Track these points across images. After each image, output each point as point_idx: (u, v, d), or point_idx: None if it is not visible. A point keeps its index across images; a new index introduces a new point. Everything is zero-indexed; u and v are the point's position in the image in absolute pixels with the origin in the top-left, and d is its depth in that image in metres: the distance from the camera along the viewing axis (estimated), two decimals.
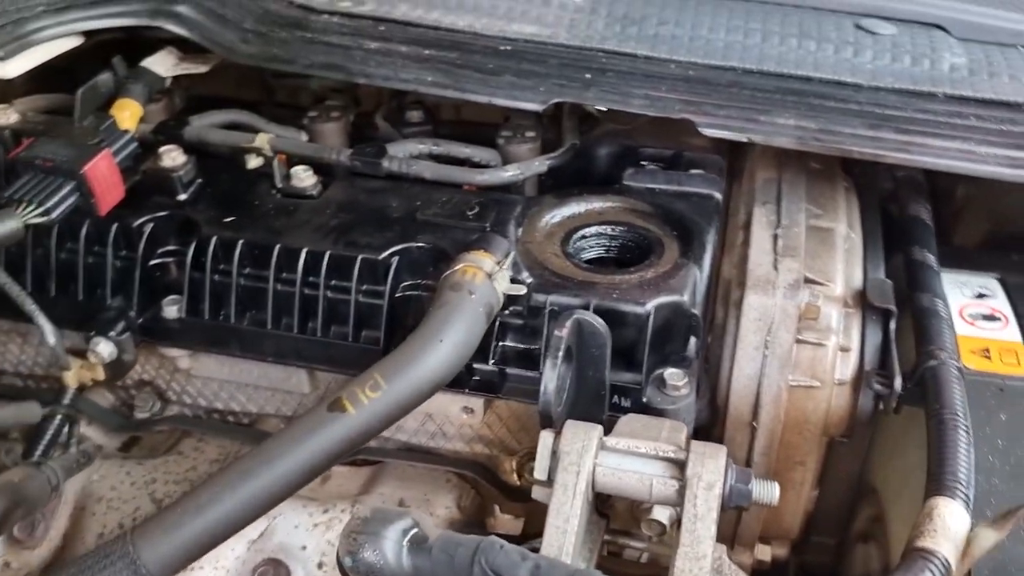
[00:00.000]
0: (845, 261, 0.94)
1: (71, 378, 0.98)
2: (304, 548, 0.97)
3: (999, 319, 0.97)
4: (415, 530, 0.71)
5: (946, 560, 0.66)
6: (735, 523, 0.97)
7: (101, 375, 0.99)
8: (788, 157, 1.08)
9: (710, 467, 0.73)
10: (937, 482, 0.71)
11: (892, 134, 0.92)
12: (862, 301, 0.92)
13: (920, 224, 1.03)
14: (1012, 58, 1.07)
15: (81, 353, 0.99)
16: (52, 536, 1.02)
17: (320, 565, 0.96)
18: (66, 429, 0.96)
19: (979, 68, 1.03)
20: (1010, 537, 0.74)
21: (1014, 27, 1.11)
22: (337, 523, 0.98)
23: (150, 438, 1.12)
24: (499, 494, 1.00)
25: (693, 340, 0.89)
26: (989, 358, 0.92)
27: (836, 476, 0.96)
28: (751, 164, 1.09)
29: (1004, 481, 0.81)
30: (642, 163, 1.07)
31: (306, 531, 0.98)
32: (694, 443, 0.75)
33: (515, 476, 1.03)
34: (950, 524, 0.68)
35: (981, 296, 1.01)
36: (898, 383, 0.85)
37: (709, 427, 0.92)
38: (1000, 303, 1.00)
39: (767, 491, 0.73)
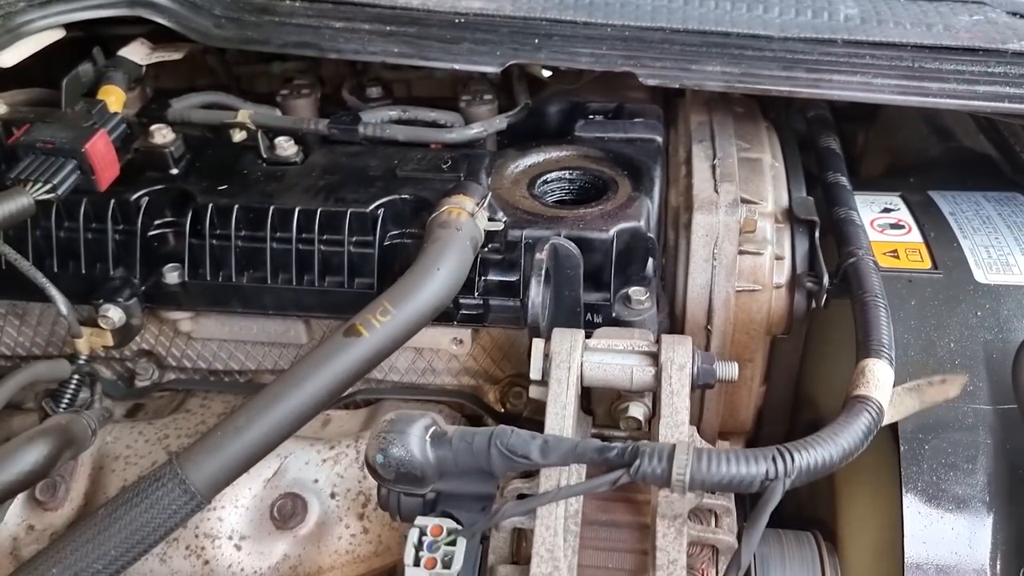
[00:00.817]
0: (773, 184, 1.09)
1: (83, 345, 1.05)
2: (316, 481, 1.06)
3: (904, 227, 1.13)
4: (434, 427, 0.82)
5: (879, 403, 0.80)
6: (697, 420, 1.10)
7: (110, 341, 1.06)
8: (716, 103, 1.22)
9: (680, 352, 0.86)
10: (865, 348, 0.86)
11: (803, 73, 1.07)
12: (790, 216, 1.07)
13: (832, 153, 1.18)
14: (895, 8, 1.23)
15: (88, 324, 1.06)
16: (73, 496, 1.09)
17: (332, 495, 1.06)
18: (90, 387, 1.03)
19: (869, 17, 1.19)
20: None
21: None
22: (343, 457, 1.08)
23: (153, 404, 1.20)
24: (488, 420, 1.12)
25: (651, 261, 1.02)
26: (898, 258, 1.08)
27: (779, 371, 1.11)
28: (684, 111, 1.23)
29: (918, 353, 0.96)
30: (590, 116, 1.19)
31: (316, 466, 1.07)
32: (664, 336, 0.88)
33: (499, 404, 1.15)
34: (880, 377, 0.82)
35: (887, 210, 1.17)
36: (826, 280, 0.99)
37: (670, 332, 1.05)
38: (903, 215, 1.16)
39: (728, 370, 0.87)
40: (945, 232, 1.12)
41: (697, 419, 1.11)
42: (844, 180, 1.13)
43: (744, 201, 1.03)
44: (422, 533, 0.78)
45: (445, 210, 0.96)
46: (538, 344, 0.88)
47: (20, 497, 1.05)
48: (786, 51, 1.12)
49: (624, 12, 1.20)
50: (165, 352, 1.17)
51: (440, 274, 0.90)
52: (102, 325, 1.04)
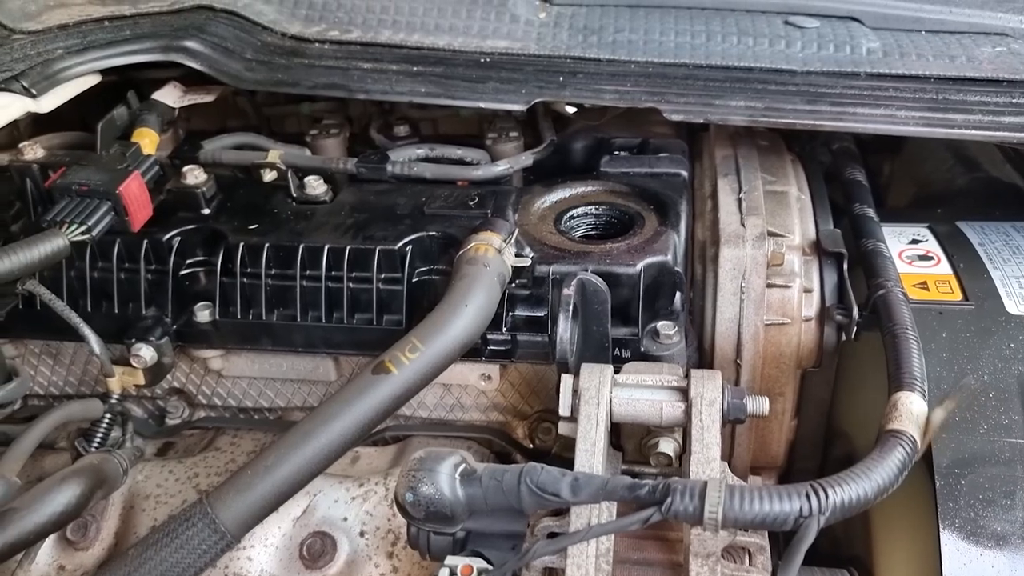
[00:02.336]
0: (799, 217, 1.08)
1: (115, 384, 1.06)
2: (345, 519, 1.06)
3: (932, 258, 1.12)
4: (464, 464, 0.82)
5: (913, 438, 0.79)
6: (728, 455, 1.09)
7: (142, 380, 1.07)
8: (740, 137, 1.22)
9: (710, 387, 0.85)
10: (897, 381, 0.85)
11: (827, 107, 1.07)
12: (818, 249, 1.06)
13: (858, 185, 1.18)
14: (916, 41, 1.23)
15: (120, 363, 1.08)
16: (104, 536, 1.09)
17: (362, 533, 1.06)
18: (121, 427, 1.04)
19: (891, 50, 1.19)
20: (963, 425, 0.89)
21: (915, 15, 1.28)
22: (372, 495, 1.08)
23: (184, 441, 1.21)
24: (517, 456, 1.11)
25: (679, 295, 1.02)
26: (927, 290, 1.07)
27: (811, 405, 1.10)
28: (709, 146, 1.23)
29: (950, 386, 0.95)
30: (615, 152, 1.20)
31: (345, 504, 1.07)
32: (693, 371, 0.87)
33: (528, 440, 1.15)
34: (912, 410, 0.81)
35: (915, 242, 1.16)
36: (855, 312, 0.99)
37: (700, 367, 1.05)
38: (932, 246, 1.15)
39: (759, 404, 0.86)
40: (975, 263, 1.11)
41: (728, 454, 1.10)
42: (871, 212, 1.13)
43: (771, 234, 1.03)
44: (452, 573, 0.78)
45: (472, 247, 0.97)
46: (567, 380, 0.88)
47: (51, 537, 1.06)
48: (809, 85, 1.13)
49: (647, 49, 1.21)
50: (196, 390, 1.18)
51: (468, 311, 0.90)
52: (134, 364, 1.05)
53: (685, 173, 1.16)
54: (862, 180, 1.19)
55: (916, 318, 1.01)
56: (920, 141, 1.48)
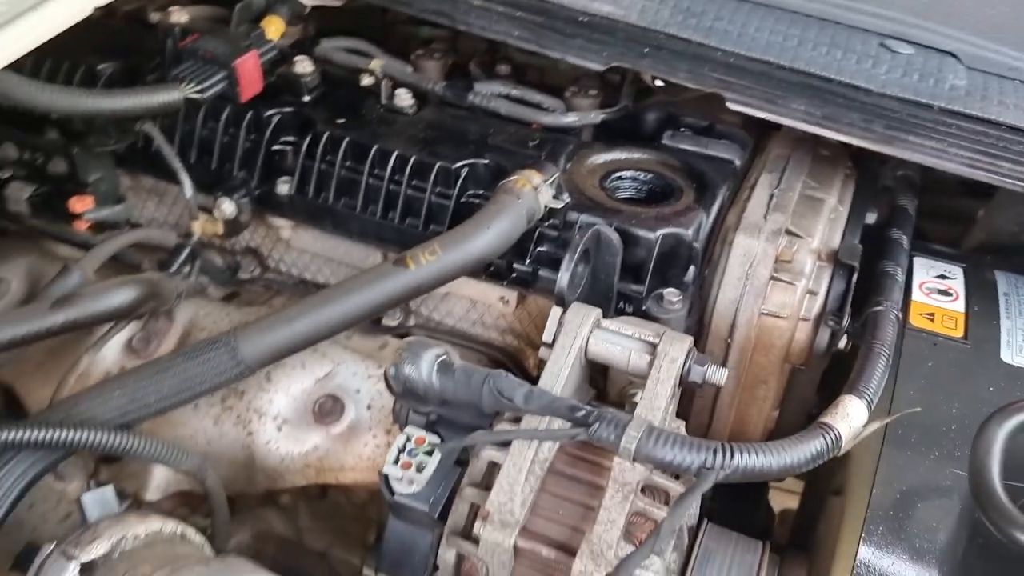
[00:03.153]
0: (827, 225, 1.14)
1: (197, 227, 1.23)
2: (358, 391, 1.20)
3: (951, 295, 1.16)
4: (445, 357, 0.94)
5: (838, 435, 0.86)
6: (707, 426, 1.18)
7: (220, 230, 1.24)
8: (804, 143, 1.27)
9: (676, 347, 0.94)
10: (850, 385, 0.92)
11: (880, 128, 1.11)
12: (835, 259, 1.12)
13: (903, 212, 1.22)
14: (1006, 88, 1.24)
15: (207, 211, 1.25)
16: (162, 351, 1.27)
17: (368, 407, 1.20)
18: (191, 261, 1.21)
19: (975, 91, 1.21)
20: (916, 446, 0.94)
21: (1014, 63, 1.28)
22: None
23: (247, 295, 1.38)
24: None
25: (692, 269, 1.10)
26: (932, 320, 1.11)
27: (794, 401, 1.16)
28: (771, 144, 1.29)
29: (923, 408, 1.00)
30: (680, 128, 1.28)
31: (362, 379, 1.21)
32: (668, 331, 0.96)
33: (535, 370, 1.26)
34: (850, 412, 0.88)
35: (942, 277, 1.19)
36: (846, 322, 1.05)
37: (696, 339, 1.13)
38: (956, 284, 1.18)
39: (717, 375, 0.94)
40: (990, 308, 1.14)
41: (706, 426, 1.18)
42: (904, 239, 1.17)
43: (789, 233, 1.09)
44: (408, 439, 0.91)
45: (513, 179, 1.08)
46: (556, 312, 0.99)
47: (121, 341, 1.25)
48: (876, 105, 1.16)
49: (738, 41, 1.27)
50: (267, 253, 1.35)
51: (489, 232, 1.02)
52: (215, 214, 1.22)
53: (738, 162, 1.22)
54: (909, 209, 1.23)
55: (910, 344, 1.06)
56: (1010, 193, 1.48)
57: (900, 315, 1.04)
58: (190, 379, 0.96)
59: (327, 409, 1.19)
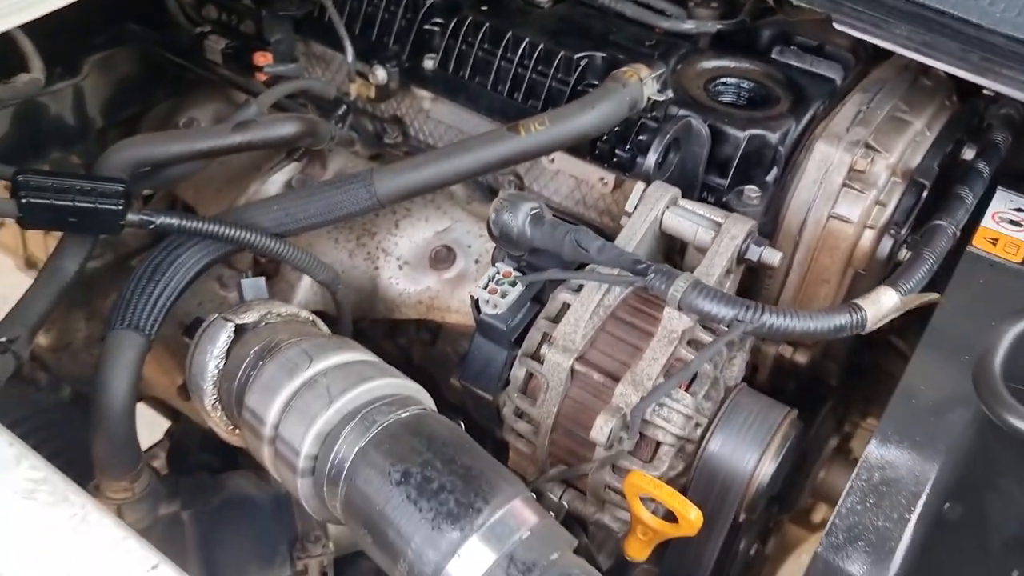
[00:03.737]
0: (909, 145, 1.22)
1: (354, 89, 1.44)
2: (470, 247, 1.39)
3: (1020, 225, 1.22)
4: (538, 209, 1.11)
5: (865, 315, 0.98)
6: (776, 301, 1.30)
7: (372, 93, 1.44)
8: (907, 71, 1.34)
9: (737, 227, 1.08)
10: (892, 280, 1.03)
11: (976, 59, 1.18)
12: (910, 177, 1.21)
13: (992, 146, 1.28)
14: None
15: (363, 76, 1.45)
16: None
17: (476, 261, 1.39)
18: (345, 114, 1.43)
19: None
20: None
21: None
22: None
23: (389, 158, 1.58)
24: None
25: (775, 170, 1.22)
26: (995, 245, 1.19)
27: None
28: (876, 69, 1.37)
29: (965, 317, 1.09)
30: (791, 45, 1.37)
31: (475, 237, 1.40)
32: (734, 214, 1.10)
33: None
34: (882, 299, 1.00)
35: (1019, 210, 1.26)
36: (904, 231, 1.15)
37: (769, 235, 1.25)
38: None
39: (771, 256, 1.08)
40: None
41: (776, 300, 1.30)
42: (984, 168, 1.24)
43: (868, 146, 1.19)
44: (497, 271, 1.10)
45: (623, 71, 1.22)
46: (640, 186, 1.14)
47: (283, 180, 1.47)
48: (982, 39, 1.22)
49: None
50: (409, 122, 1.54)
51: (592, 112, 1.17)
52: (370, 80, 1.42)
53: (839, 81, 1.31)
54: (1000, 144, 1.29)
55: (966, 261, 1.15)
56: None
57: (957, 232, 1.13)
58: (333, 204, 1.17)
59: (442, 257, 1.38)
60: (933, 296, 1.02)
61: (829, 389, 1.44)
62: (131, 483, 1.04)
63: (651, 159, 1.15)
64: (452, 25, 1.40)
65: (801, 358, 1.34)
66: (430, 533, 0.80)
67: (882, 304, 0.99)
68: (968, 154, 1.33)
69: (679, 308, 0.98)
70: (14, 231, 1.84)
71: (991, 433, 1.00)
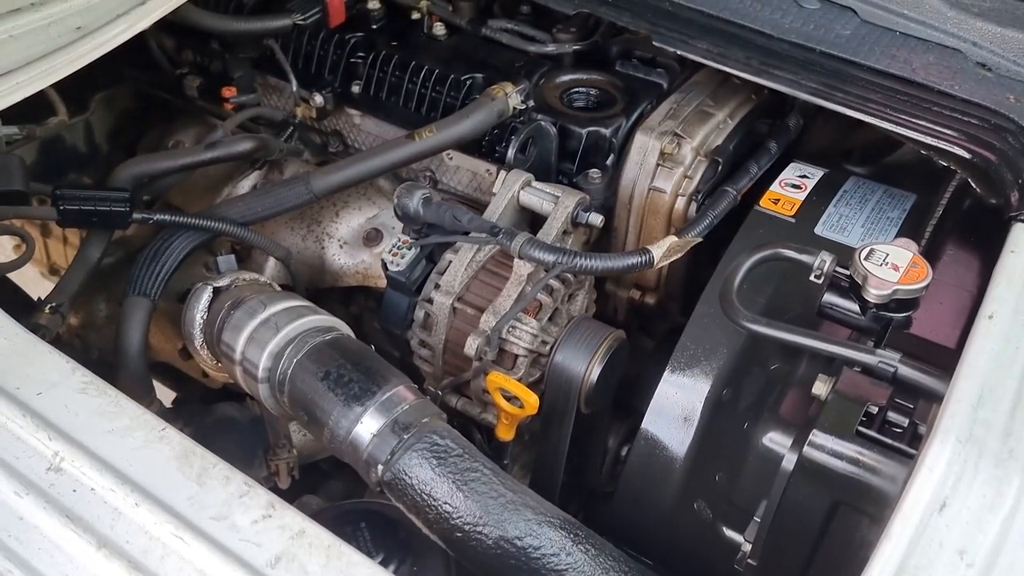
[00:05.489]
0: (712, 132, 1.63)
1: (299, 111, 1.86)
2: (393, 228, 1.80)
3: (799, 188, 1.63)
4: (428, 194, 1.53)
5: (652, 256, 1.39)
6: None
7: (313, 113, 1.86)
8: (718, 74, 1.75)
9: (570, 198, 1.50)
10: (679, 231, 1.44)
11: (756, 63, 1.58)
12: (711, 156, 1.62)
13: (784, 128, 1.69)
14: (884, 38, 1.64)
15: (305, 100, 1.87)
16: None
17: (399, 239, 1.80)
18: (292, 133, 1.84)
19: (855, 39, 1.62)
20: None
21: (897, 20, 1.67)
22: None
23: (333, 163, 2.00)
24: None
25: (612, 156, 1.64)
26: (776, 204, 1.60)
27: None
28: (696, 74, 1.78)
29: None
30: (631, 59, 1.78)
31: (394, 219, 1.81)
32: (568, 189, 1.51)
33: None
34: (665, 242, 1.41)
35: (803, 176, 1.67)
36: (701, 196, 1.56)
37: (611, 205, 1.66)
38: (810, 183, 1.65)
39: (595, 219, 1.49)
40: (824, 198, 1.61)
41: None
42: (775, 146, 1.65)
43: (675, 135, 1.60)
44: (398, 240, 1.52)
45: (492, 88, 1.63)
46: (503, 174, 1.56)
47: (249, 184, 1.89)
48: (770, 46, 1.61)
49: None
50: (346, 135, 1.96)
51: (467, 121, 1.58)
52: (311, 103, 1.84)
53: (665, 85, 1.73)
54: (790, 126, 1.70)
55: (751, 217, 1.56)
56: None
57: (738, 195, 1.54)
58: (280, 199, 1.60)
59: (372, 237, 1.80)
60: (697, 240, 1.44)
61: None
62: (147, 407, 1.46)
63: (510, 153, 1.56)
64: (371, 58, 1.81)
65: (650, 300, 1.76)
66: (343, 409, 1.21)
67: (663, 245, 1.41)
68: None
69: (520, 257, 1.40)
70: (40, 244, 2.26)
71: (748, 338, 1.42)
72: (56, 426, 1.08)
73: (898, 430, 1.12)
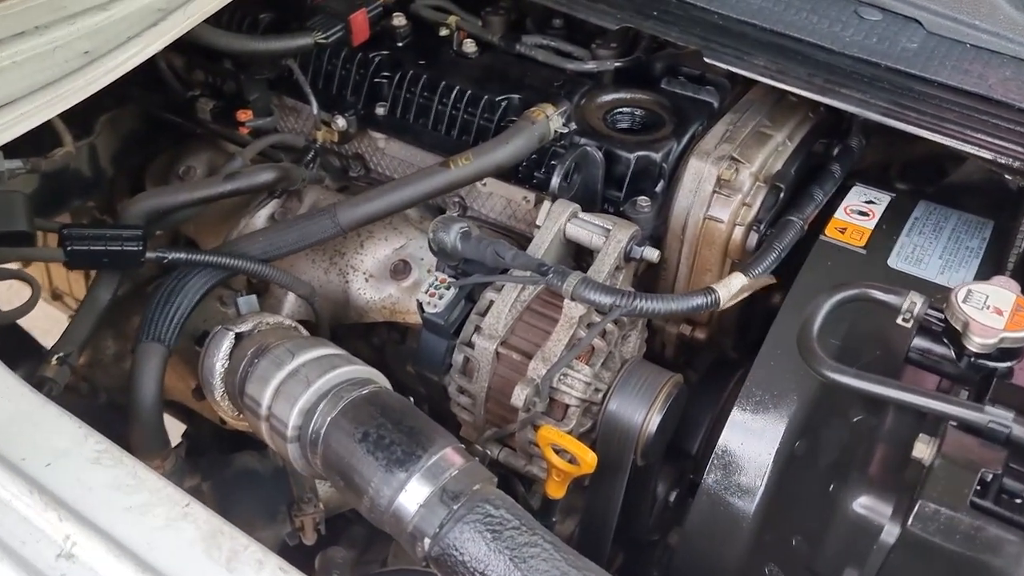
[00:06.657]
0: (771, 156, 1.50)
1: (320, 135, 1.73)
2: (422, 259, 1.67)
3: (868, 215, 1.50)
4: (467, 228, 1.40)
5: (719, 296, 1.26)
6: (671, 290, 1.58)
7: (335, 138, 1.73)
8: (773, 91, 1.63)
9: (622, 232, 1.37)
10: (743, 266, 1.31)
11: (821, 81, 1.45)
12: (772, 181, 1.49)
13: (847, 150, 1.56)
14: (953, 51, 1.51)
15: (327, 124, 1.74)
16: None
17: (428, 271, 1.67)
18: (314, 158, 1.72)
19: (923, 53, 1.50)
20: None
21: (968, 31, 1.54)
22: None
23: (354, 189, 1.87)
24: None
25: (662, 182, 1.51)
26: (843, 233, 1.47)
27: None
28: (749, 92, 1.65)
29: (807, 292, 1.38)
30: (678, 76, 1.66)
31: (427, 251, 1.63)
32: (620, 221, 1.38)
33: None
34: (733, 282, 1.28)
35: (869, 202, 1.54)
36: (762, 227, 1.43)
37: (661, 235, 1.54)
38: (878, 208, 1.52)
39: (650, 253, 1.36)
40: (896, 227, 1.49)
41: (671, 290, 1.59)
42: (838, 169, 1.52)
43: (733, 159, 1.47)
44: (435, 279, 1.39)
45: (532, 110, 1.50)
46: (547, 203, 1.43)
47: (267, 214, 1.76)
48: (832, 62, 1.49)
49: (734, 6, 1.61)
50: (368, 158, 1.83)
51: (507, 147, 1.45)
52: (332, 127, 1.71)
53: (716, 104, 1.60)
54: (853, 147, 1.57)
55: (817, 248, 1.43)
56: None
57: (805, 225, 1.41)
58: (306, 233, 1.47)
59: (399, 269, 1.67)
60: (771, 280, 1.31)
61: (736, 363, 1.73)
62: (162, 462, 1.34)
63: (555, 181, 1.44)
64: (397, 77, 1.68)
65: (700, 335, 1.63)
66: (384, 475, 1.08)
67: (732, 286, 1.28)
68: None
69: (572, 299, 1.27)
70: (41, 268, 2.14)
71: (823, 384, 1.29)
72: (67, 504, 0.95)
73: (1019, 500, 0.99)
